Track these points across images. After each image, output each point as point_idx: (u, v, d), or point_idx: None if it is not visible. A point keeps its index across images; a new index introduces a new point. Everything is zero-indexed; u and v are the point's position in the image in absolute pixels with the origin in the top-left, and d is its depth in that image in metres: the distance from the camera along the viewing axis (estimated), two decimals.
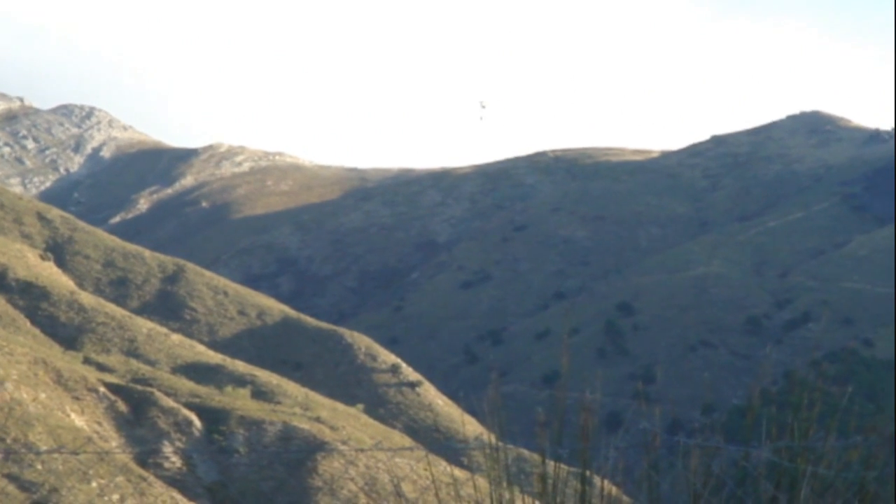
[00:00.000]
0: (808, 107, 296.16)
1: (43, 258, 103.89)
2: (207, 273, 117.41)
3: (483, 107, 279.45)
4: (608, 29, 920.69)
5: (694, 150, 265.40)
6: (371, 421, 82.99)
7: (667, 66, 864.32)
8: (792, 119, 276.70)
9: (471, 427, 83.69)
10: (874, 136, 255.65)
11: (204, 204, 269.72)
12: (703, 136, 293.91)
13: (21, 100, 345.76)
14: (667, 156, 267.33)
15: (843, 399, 9.75)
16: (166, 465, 58.55)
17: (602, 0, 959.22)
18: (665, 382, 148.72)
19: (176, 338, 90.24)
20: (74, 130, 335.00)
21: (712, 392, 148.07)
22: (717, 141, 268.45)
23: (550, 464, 9.14)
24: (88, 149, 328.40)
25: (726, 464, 9.31)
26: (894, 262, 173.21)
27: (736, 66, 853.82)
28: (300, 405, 76.49)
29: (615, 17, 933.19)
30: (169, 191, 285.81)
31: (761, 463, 9.21)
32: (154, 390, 66.96)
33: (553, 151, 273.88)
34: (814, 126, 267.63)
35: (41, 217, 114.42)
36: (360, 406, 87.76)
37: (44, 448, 50.17)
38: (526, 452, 41.89)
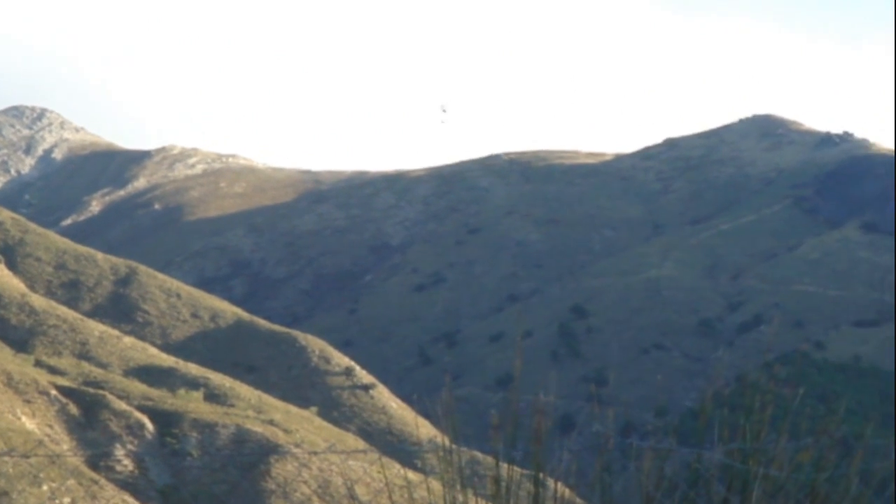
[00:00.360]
0: (760, 110, 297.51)
1: None
2: (160, 275, 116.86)
3: (444, 110, 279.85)
4: (560, 32, 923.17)
5: (647, 153, 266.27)
6: (325, 424, 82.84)
7: (620, 68, 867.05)
8: (744, 122, 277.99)
9: (424, 430, 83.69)
10: (825, 139, 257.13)
11: (157, 206, 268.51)
12: (656, 138, 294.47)
13: None
14: (620, 158, 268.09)
15: (795, 401, 9.79)
16: (118, 468, 58.26)
17: (554, 2, 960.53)
18: (618, 385, 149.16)
19: (128, 340, 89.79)
20: (25, 132, 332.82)
21: (665, 394, 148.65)
22: (669, 144, 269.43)
23: (504, 466, 9.14)
24: (40, 150, 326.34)
25: (679, 466, 9.33)
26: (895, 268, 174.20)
27: (688, 69, 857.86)
28: (253, 408, 76.27)
29: (567, 21, 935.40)
30: (121, 193, 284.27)
31: (714, 465, 9.24)
32: (106, 393, 66.63)
33: (507, 154, 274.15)
34: (766, 129, 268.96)
35: None
36: (314, 409, 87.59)
37: None
38: (480, 455, 41.96)
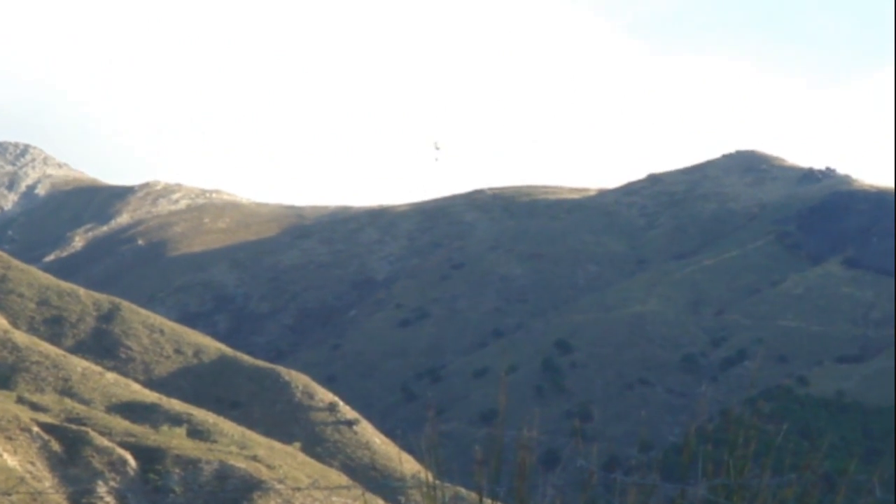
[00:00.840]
0: (744, 146, 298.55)
1: None
2: (143, 311, 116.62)
3: (437, 147, 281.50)
4: (543, 69, 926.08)
5: (630, 189, 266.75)
6: (308, 459, 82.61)
7: (603, 104, 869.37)
8: (727, 158, 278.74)
9: (408, 465, 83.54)
10: (808, 174, 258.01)
11: (140, 242, 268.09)
12: (639, 174, 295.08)
13: None
14: (603, 194, 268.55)
15: (779, 437, 9.81)
16: None
17: (537, 40, 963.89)
18: (602, 420, 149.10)
19: (111, 376, 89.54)
20: (8, 168, 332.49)
21: (649, 430, 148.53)
22: (653, 179, 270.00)
23: (488, 502, 9.14)
24: (23, 186, 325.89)
25: (663, 501, 9.34)
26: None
27: (671, 105, 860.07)
28: (237, 444, 76.05)
29: (550, 59, 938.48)
30: (104, 228, 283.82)
31: (697, 501, 9.25)
32: (88, 430, 66.39)
33: (491, 189, 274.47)
34: (749, 165, 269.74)
35: None
36: (298, 444, 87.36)
37: None
38: (463, 491, 41.85)
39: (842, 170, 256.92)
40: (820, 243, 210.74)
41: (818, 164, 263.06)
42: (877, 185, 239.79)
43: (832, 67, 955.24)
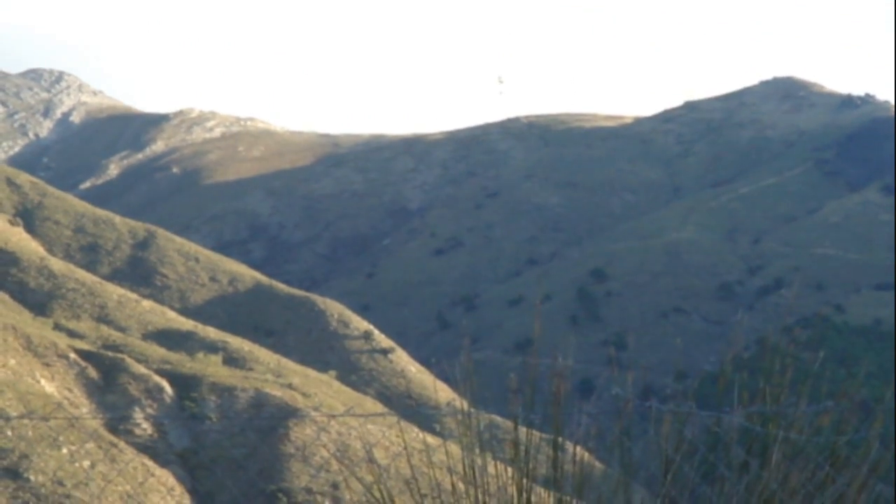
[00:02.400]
0: (781, 72, 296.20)
1: (12, 223, 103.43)
2: (178, 239, 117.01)
3: (501, 81, 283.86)
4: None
5: (667, 116, 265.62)
6: (343, 388, 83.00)
7: (639, 31, 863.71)
8: (765, 84, 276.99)
9: (443, 394, 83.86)
10: (846, 101, 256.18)
11: (175, 170, 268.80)
12: (676, 101, 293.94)
13: None
14: (639, 122, 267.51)
15: (815, 365, 9.74)
16: (137, 431, 58.42)
17: None
18: (637, 349, 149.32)
19: (147, 304, 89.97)
20: (44, 95, 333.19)
21: (684, 358, 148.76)
22: (689, 107, 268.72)
23: (523, 430, 9.10)
24: (58, 114, 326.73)
25: (698, 429, 9.28)
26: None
27: (709, 31, 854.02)
28: (272, 372, 76.42)
29: None
30: (139, 156, 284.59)
31: (733, 428, 9.19)
32: (125, 357, 66.78)
33: (526, 117, 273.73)
34: (787, 91, 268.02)
35: (10, 182, 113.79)
36: (333, 373, 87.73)
37: (14, 414, 49.98)
38: (498, 419, 41.96)
39: (882, 96, 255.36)
40: (858, 171, 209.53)
41: (857, 91, 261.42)
42: None
43: None
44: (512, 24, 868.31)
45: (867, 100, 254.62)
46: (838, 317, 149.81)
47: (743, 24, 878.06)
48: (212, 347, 79.47)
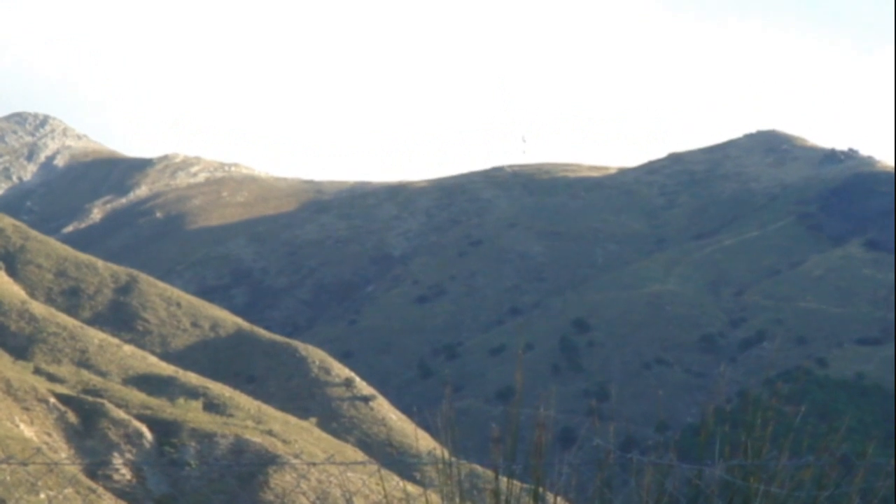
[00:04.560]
0: (765, 125, 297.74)
1: None
2: (161, 284, 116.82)
3: (524, 140, 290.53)
4: (565, 47, 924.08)
5: (651, 168, 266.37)
6: (324, 435, 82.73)
7: (624, 82, 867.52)
8: (749, 138, 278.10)
9: (424, 442, 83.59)
10: (830, 155, 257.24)
11: (158, 214, 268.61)
12: (660, 153, 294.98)
13: None
14: (624, 172, 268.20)
15: (797, 418, 9.73)
16: (116, 476, 58.12)
17: (557, 17, 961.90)
18: (619, 399, 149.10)
19: (128, 349, 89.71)
20: (28, 139, 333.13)
21: (666, 410, 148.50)
22: (674, 158, 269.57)
23: (504, 480, 9.07)
24: (42, 157, 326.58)
25: (680, 482, 9.25)
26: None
27: (694, 84, 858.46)
28: (252, 418, 76.16)
29: (572, 36, 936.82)
30: (123, 200, 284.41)
31: (714, 481, 9.17)
32: (105, 401, 66.52)
33: (510, 166, 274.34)
34: (770, 145, 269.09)
35: None
36: (313, 420, 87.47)
37: None
38: (479, 468, 41.83)
39: (865, 151, 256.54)
40: (841, 225, 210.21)
41: (840, 145, 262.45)
42: None
43: (856, 47, 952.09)
44: (497, 74, 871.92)
45: (850, 154, 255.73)
46: (820, 370, 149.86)
47: (727, 78, 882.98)
48: (192, 393, 79.22)
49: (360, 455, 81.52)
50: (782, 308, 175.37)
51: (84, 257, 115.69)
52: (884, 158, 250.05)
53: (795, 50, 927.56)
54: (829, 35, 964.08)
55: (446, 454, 9.15)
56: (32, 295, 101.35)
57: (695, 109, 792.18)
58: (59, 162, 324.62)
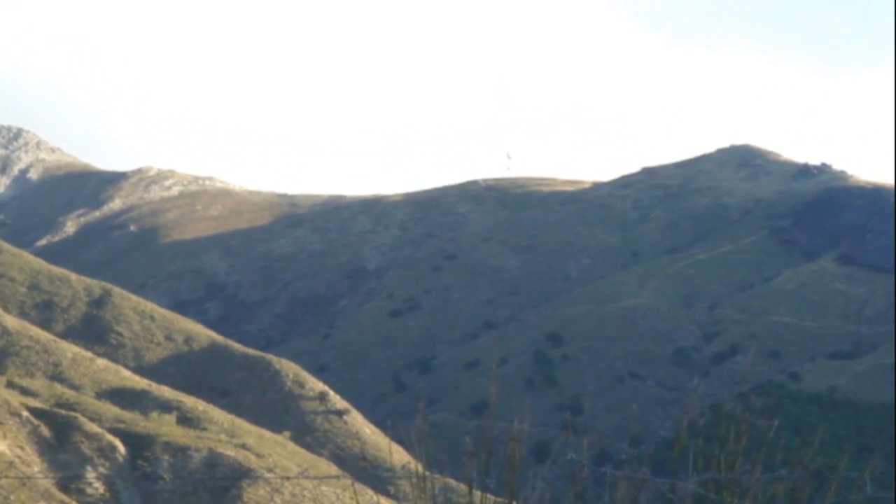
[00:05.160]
0: (739, 140, 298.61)
1: None
2: (134, 297, 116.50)
3: (509, 157, 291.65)
4: (539, 61, 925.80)
5: (625, 182, 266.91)
6: (298, 448, 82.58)
7: (598, 97, 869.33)
8: (722, 152, 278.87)
9: (398, 456, 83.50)
10: (803, 170, 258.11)
11: (132, 228, 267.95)
12: (634, 167, 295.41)
13: None
14: (598, 187, 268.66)
15: (770, 432, 9.76)
16: (89, 490, 57.90)
17: (530, 31, 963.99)
18: (593, 413, 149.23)
19: (101, 362, 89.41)
20: (1, 151, 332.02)
21: (640, 423, 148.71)
22: (647, 173, 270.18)
23: (477, 494, 9.08)
24: (15, 170, 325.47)
25: (653, 496, 9.28)
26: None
27: (667, 98, 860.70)
28: (226, 432, 75.97)
29: (546, 51, 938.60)
30: (97, 214, 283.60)
31: (688, 495, 9.20)
32: (78, 415, 66.27)
33: (485, 180, 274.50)
34: (743, 159, 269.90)
35: None
36: (287, 433, 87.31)
37: None
38: (453, 482, 41.80)
39: (837, 165, 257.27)
40: (814, 239, 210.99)
41: (814, 160, 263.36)
42: (872, 181, 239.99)
43: (829, 62, 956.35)
44: (472, 85, 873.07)
45: (823, 169, 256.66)
46: (793, 384, 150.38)
47: (700, 92, 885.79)
48: (166, 407, 79.00)
49: (333, 469, 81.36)
50: (755, 322, 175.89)
51: (57, 271, 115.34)
52: (856, 173, 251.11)
53: (768, 65, 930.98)
54: (802, 51, 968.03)
55: (420, 468, 9.17)
56: (5, 308, 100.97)
57: (668, 124, 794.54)
58: (33, 175, 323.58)
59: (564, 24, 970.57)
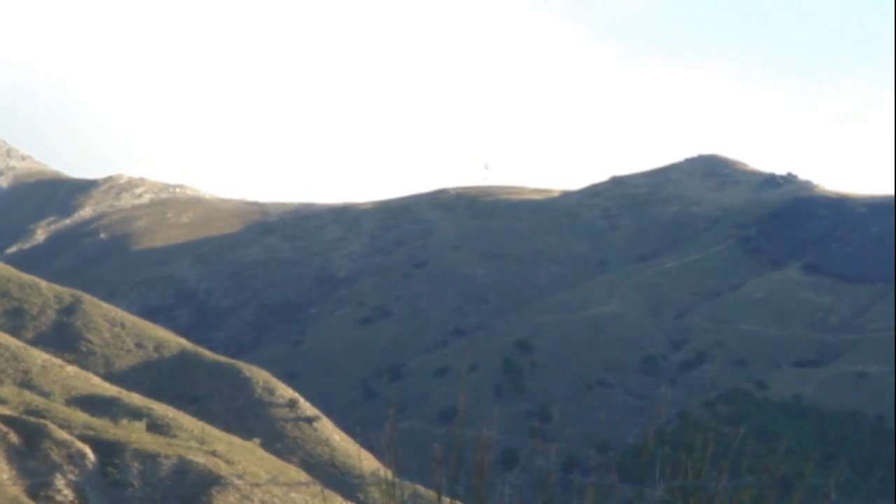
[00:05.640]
0: (706, 150, 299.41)
1: None
2: (105, 305, 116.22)
3: (487, 167, 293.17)
4: (507, 70, 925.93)
5: (594, 191, 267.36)
6: (267, 455, 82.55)
7: (567, 106, 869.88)
8: (690, 162, 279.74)
9: (367, 463, 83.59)
10: (769, 179, 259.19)
11: (102, 235, 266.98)
12: (602, 176, 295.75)
13: None
14: (567, 195, 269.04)
15: (736, 440, 10.05)
16: (58, 497, 57.88)
17: (501, 42, 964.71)
18: (561, 420, 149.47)
19: (71, 369, 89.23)
20: None
21: (608, 431, 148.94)
22: (616, 182, 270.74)
23: (446, 500, 9.24)
24: None
25: (621, 502, 9.47)
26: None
27: (635, 108, 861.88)
28: (196, 439, 75.93)
29: (515, 59, 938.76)
30: (67, 221, 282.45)
31: (655, 502, 9.37)
32: (47, 422, 66.18)
33: (455, 189, 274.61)
34: (711, 169, 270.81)
35: None
36: (257, 440, 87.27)
37: None
38: (422, 489, 42.12)
39: (803, 176, 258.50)
40: (780, 248, 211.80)
41: (779, 170, 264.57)
42: (837, 191, 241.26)
43: (795, 74, 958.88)
44: (441, 95, 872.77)
45: (789, 179, 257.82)
46: (759, 392, 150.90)
47: (669, 100, 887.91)
48: (136, 414, 78.89)
49: (303, 476, 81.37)
50: (722, 330, 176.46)
51: (27, 278, 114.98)
52: (822, 183, 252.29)
53: (735, 79, 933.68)
54: (770, 63, 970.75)
55: (390, 475, 9.33)
56: None
57: (636, 134, 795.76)
58: (3, 182, 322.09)
59: (532, 36, 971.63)
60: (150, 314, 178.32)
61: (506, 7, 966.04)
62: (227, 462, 69.79)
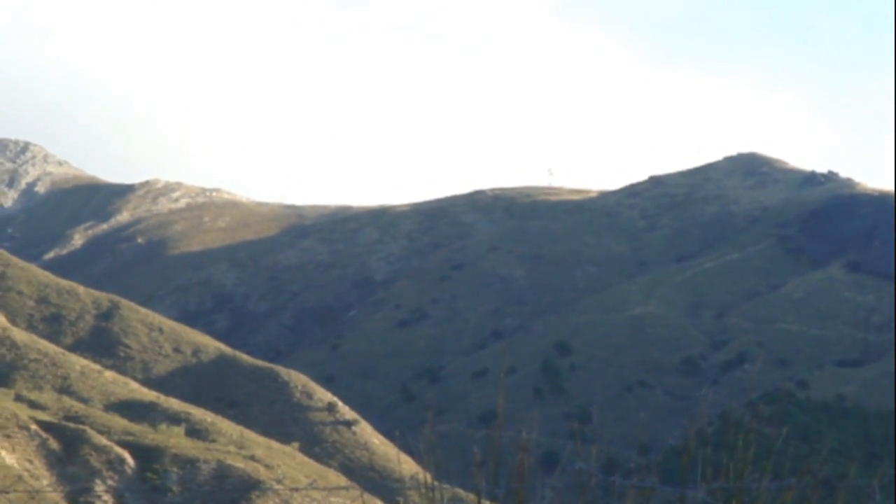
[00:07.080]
0: (745, 148, 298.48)
1: None
2: (142, 310, 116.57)
3: (551, 174, 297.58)
4: (550, 71, 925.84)
5: (632, 191, 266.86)
6: (306, 459, 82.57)
7: (606, 107, 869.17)
8: (729, 160, 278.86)
9: (407, 466, 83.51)
10: (809, 178, 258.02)
11: (140, 240, 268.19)
12: (641, 176, 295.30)
13: None
14: (605, 196, 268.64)
15: (778, 441, 9.75)
16: (98, 503, 57.92)
17: (542, 44, 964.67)
18: (601, 422, 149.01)
19: (109, 375, 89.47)
20: (9, 165, 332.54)
21: (648, 432, 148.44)
22: (654, 181, 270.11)
23: None
24: (23, 184, 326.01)
25: None
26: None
27: (674, 109, 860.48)
28: (235, 443, 75.99)
29: (555, 61, 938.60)
30: (104, 226, 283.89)
31: None
32: (86, 428, 66.32)
33: (492, 190, 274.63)
34: (750, 168, 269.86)
35: None
36: (296, 444, 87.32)
37: None
38: (462, 492, 41.80)
39: (844, 173, 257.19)
40: (821, 247, 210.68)
41: (820, 168, 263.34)
42: (879, 188, 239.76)
43: (835, 71, 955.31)
44: (478, 96, 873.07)
45: (830, 177, 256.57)
46: (801, 392, 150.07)
47: (707, 100, 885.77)
48: (174, 418, 79.03)
49: (342, 480, 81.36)
50: (763, 330, 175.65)
51: (65, 283, 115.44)
52: (863, 181, 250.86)
53: (774, 77, 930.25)
54: (809, 61, 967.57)
55: (429, 478, 9.17)
56: (14, 322, 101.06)
57: (674, 133, 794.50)
58: (40, 188, 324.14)
59: (570, 40, 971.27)
60: (187, 319, 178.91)
61: (542, 12, 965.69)
62: (267, 466, 69.81)
